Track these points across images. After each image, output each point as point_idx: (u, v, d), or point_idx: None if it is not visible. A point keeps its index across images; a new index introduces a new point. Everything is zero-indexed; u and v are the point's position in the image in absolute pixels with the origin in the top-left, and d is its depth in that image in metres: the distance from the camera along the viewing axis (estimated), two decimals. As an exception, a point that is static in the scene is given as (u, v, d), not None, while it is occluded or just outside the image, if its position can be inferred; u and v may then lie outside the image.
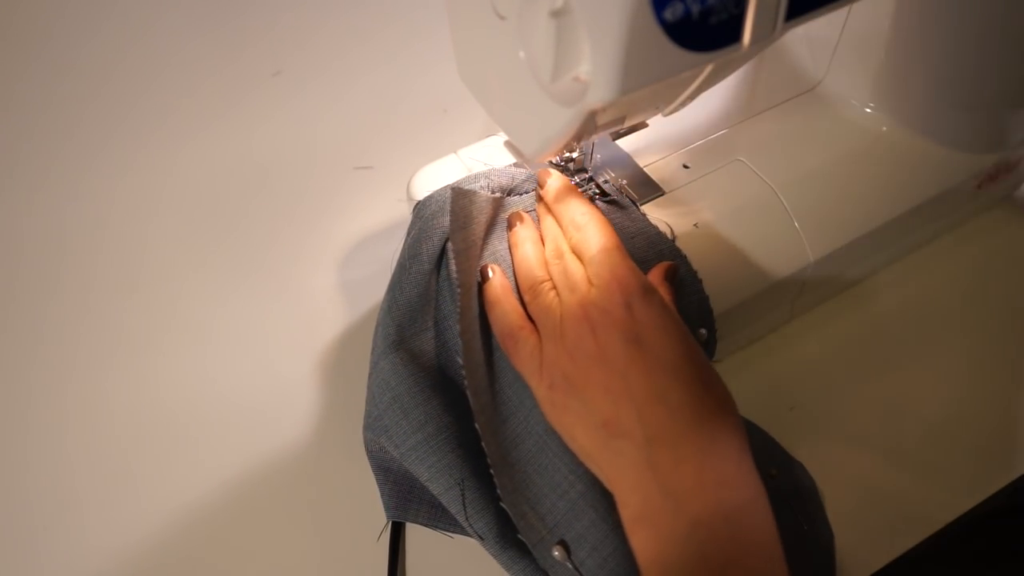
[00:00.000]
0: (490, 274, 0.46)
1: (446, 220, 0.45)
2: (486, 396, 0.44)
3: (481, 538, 0.43)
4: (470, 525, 0.43)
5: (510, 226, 0.48)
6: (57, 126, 0.68)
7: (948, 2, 0.48)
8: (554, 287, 0.44)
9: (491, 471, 0.42)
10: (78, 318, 0.57)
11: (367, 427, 0.46)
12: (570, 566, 0.41)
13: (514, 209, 0.49)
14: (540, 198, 0.49)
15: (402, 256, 0.47)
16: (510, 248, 0.47)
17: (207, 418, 0.52)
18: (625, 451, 0.38)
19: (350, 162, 0.63)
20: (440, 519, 0.47)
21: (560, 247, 0.45)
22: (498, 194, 0.48)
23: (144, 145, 0.66)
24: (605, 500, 0.40)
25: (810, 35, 0.57)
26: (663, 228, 0.49)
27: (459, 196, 0.46)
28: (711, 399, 0.39)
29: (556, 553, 0.41)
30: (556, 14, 0.33)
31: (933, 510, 0.48)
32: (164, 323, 0.56)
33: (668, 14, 0.31)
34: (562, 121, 0.38)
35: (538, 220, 0.49)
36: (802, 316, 0.56)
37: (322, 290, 0.57)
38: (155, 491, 0.50)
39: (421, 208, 0.48)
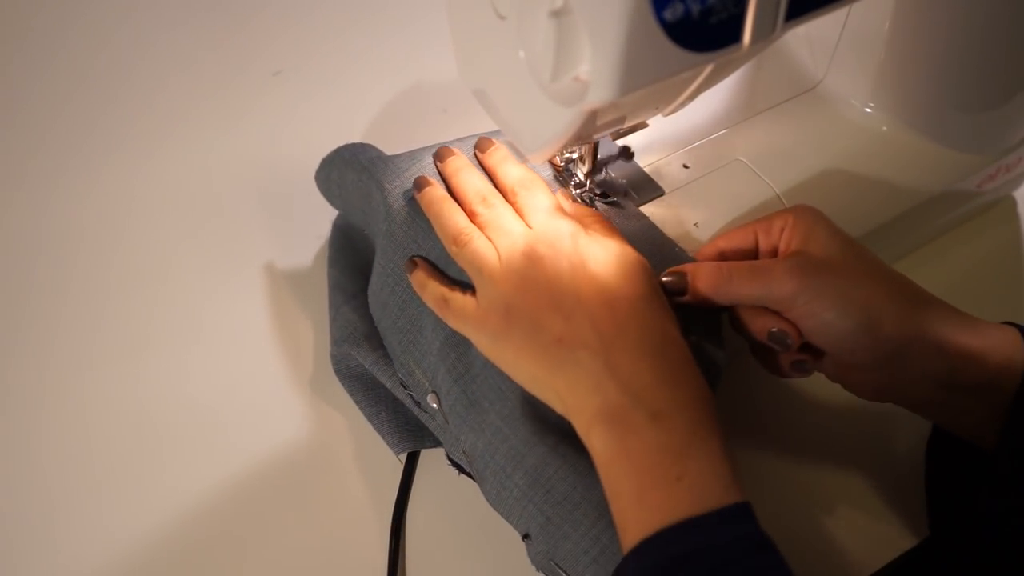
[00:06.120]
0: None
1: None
2: (383, 279, 0.49)
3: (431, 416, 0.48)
4: (419, 407, 0.48)
5: (418, 188, 0.47)
6: (57, 127, 0.68)
7: (948, 2, 0.48)
8: (487, 239, 0.44)
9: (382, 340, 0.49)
10: (77, 318, 0.57)
11: (336, 343, 0.52)
12: (442, 414, 0.46)
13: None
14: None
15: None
16: (423, 208, 0.47)
17: (205, 417, 0.52)
18: (582, 360, 0.39)
19: (350, 162, 0.63)
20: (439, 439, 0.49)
21: (488, 197, 0.46)
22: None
23: (143, 146, 0.66)
24: (453, 354, 0.45)
25: (810, 35, 0.57)
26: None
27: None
28: (657, 310, 0.41)
29: (434, 404, 0.46)
30: (556, 14, 0.33)
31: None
32: (162, 322, 0.56)
33: (668, 14, 0.31)
34: (562, 121, 0.38)
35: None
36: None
37: (321, 290, 0.57)
38: (154, 490, 0.50)
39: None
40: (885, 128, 0.55)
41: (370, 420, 0.51)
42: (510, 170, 0.48)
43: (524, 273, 0.42)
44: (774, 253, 0.43)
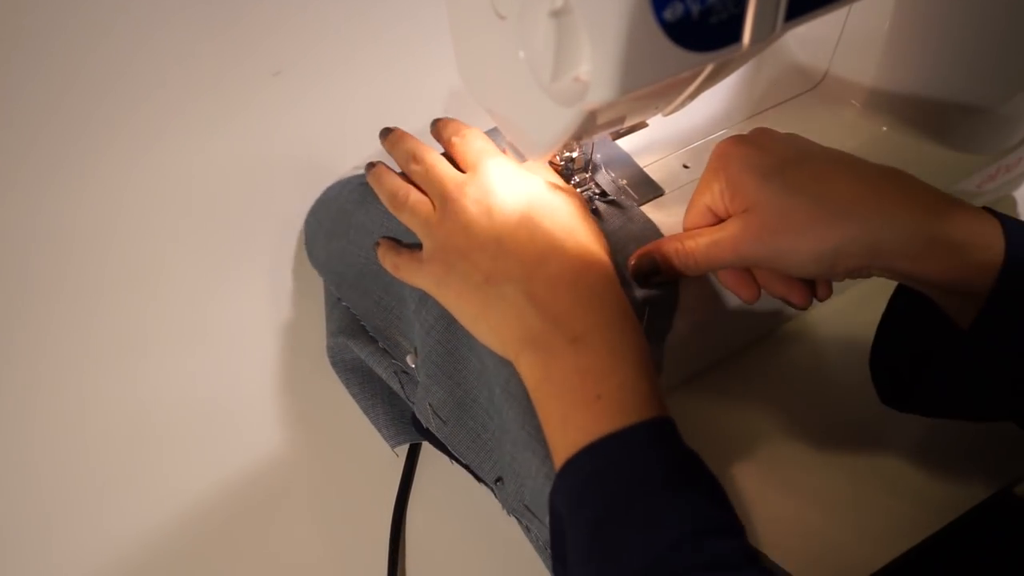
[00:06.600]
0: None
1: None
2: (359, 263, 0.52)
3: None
4: (408, 382, 0.50)
5: (368, 170, 0.50)
6: (54, 125, 0.68)
7: (948, 2, 0.48)
8: (421, 193, 0.46)
9: (362, 322, 0.51)
10: (81, 318, 0.57)
11: (332, 334, 0.53)
12: (418, 372, 0.48)
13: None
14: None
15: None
16: (372, 187, 0.49)
17: (202, 416, 0.52)
18: (507, 293, 0.41)
19: (350, 162, 0.63)
20: (424, 437, 0.50)
21: (417, 153, 0.47)
22: None
23: (141, 145, 0.66)
24: (423, 310, 0.46)
25: (810, 35, 0.57)
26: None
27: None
28: (580, 237, 0.42)
29: (413, 364, 0.48)
30: (556, 14, 0.33)
31: (932, 512, 0.48)
32: (160, 322, 0.56)
33: (668, 14, 0.31)
34: (562, 121, 0.38)
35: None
36: (806, 314, 0.56)
37: (320, 290, 0.57)
38: (153, 490, 0.50)
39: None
40: (885, 128, 0.55)
41: (366, 413, 0.51)
42: (448, 124, 0.49)
43: (455, 218, 0.43)
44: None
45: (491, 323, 0.42)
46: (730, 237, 0.42)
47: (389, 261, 0.48)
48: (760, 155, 0.42)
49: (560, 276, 0.41)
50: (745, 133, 0.44)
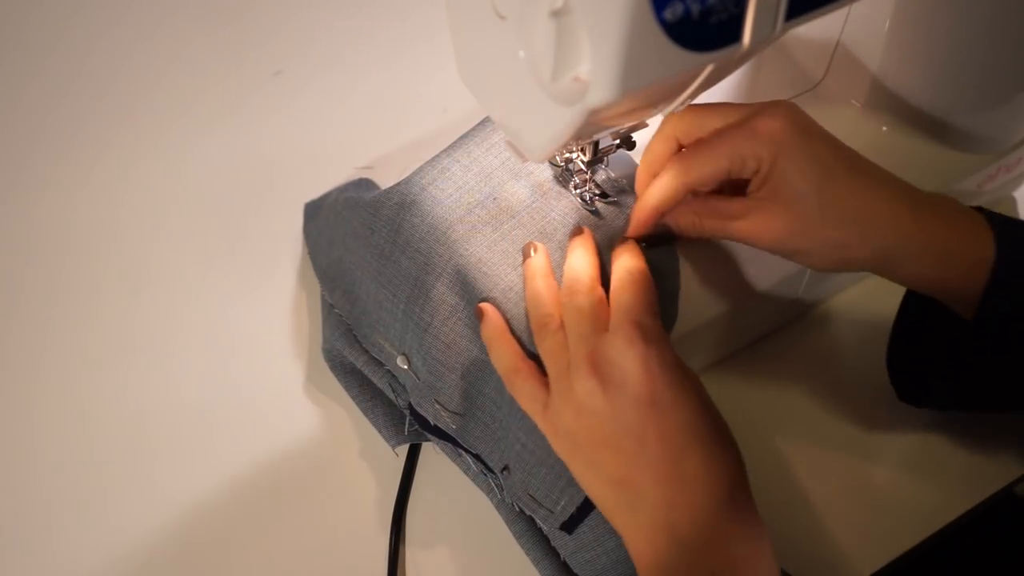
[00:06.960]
0: (484, 314, 0.45)
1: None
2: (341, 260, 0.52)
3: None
4: (399, 388, 0.50)
5: (524, 256, 0.46)
6: (55, 125, 0.68)
7: (948, 2, 0.48)
8: (562, 326, 0.42)
9: (353, 331, 0.51)
10: (80, 319, 0.57)
11: (327, 340, 0.53)
12: (412, 374, 0.48)
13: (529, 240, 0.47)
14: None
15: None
16: (524, 280, 0.45)
17: (206, 416, 0.52)
18: (641, 509, 0.38)
19: (350, 162, 0.63)
20: (431, 433, 0.49)
21: (574, 284, 0.42)
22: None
23: (143, 145, 0.66)
24: (416, 307, 0.46)
25: (810, 35, 0.57)
26: None
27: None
28: (723, 456, 0.38)
29: (404, 365, 0.48)
30: (556, 14, 0.33)
31: (931, 512, 0.48)
32: (165, 324, 0.56)
33: (668, 14, 0.31)
34: (562, 121, 0.38)
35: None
36: (806, 314, 0.56)
37: (319, 289, 0.57)
38: (158, 488, 0.50)
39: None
40: (885, 128, 0.55)
41: (366, 414, 0.51)
42: (620, 259, 0.44)
43: (586, 399, 0.39)
44: (738, 185, 0.43)
45: (615, 522, 0.39)
46: (757, 227, 0.41)
47: (505, 361, 0.43)
48: (825, 153, 0.41)
49: (703, 509, 0.37)
50: (804, 116, 0.42)
